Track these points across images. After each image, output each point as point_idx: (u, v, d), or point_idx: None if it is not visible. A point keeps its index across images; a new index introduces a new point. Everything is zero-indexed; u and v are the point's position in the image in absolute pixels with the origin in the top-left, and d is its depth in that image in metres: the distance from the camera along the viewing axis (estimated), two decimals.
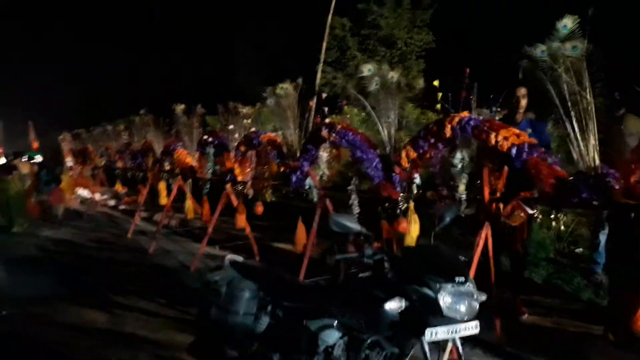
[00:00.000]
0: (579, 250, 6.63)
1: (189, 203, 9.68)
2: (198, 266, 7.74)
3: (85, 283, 7.08)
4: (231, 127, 7.32)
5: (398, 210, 4.57)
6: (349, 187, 5.08)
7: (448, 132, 3.99)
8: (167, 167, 10.20)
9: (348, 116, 10.08)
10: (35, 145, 22.76)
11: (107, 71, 38.31)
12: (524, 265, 5.07)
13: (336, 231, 2.96)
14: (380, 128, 4.66)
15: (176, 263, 8.33)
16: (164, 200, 10.80)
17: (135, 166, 12.10)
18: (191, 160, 9.02)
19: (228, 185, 7.73)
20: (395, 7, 23.75)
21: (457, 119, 3.96)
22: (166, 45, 34.64)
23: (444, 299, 2.61)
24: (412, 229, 4.52)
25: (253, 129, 6.96)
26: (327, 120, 5.30)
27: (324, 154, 5.45)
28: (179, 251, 9.18)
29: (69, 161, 17.52)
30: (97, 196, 15.92)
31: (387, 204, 4.70)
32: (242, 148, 7.04)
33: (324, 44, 17.61)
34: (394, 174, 4.54)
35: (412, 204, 4.55)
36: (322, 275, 5.91)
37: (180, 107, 9.13)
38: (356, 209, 5.01)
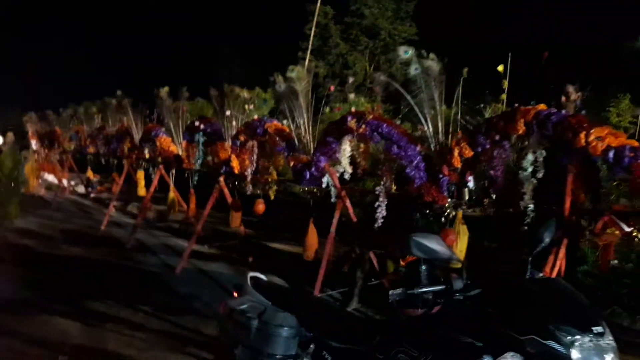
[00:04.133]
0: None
1: (172, 195, 8.78)
2: (185, 267, 6.91)
3: (56, 284, 6.17)
4: (228, 112, 6.46)
5: (443, 219, 3.86)
6: (378, 188, 4.32)
7: (520, 128, 3.30)
8: (146, 154, 9.21)
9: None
10: None
11: (81, 51, 36.38)
12: None
13: (418, 256, 2.24)
14: (423, 120, 3.92)
15: (158, 262, 7.48)
16: (142, 190, 9.83)
17: (110, 152, 11.03)
18: (176, 148, 8.11)
19: (222, 179, 6.89)
20: None
21: (532, 113, 3.27)
22: (144, 28, 33.21)
23: (579, 357, 1.91)
24: (459, 243, 3.82)
25: (256, 116, 6.11)
26: (353, 109, 4.50)
27: (346, 148, 4.68)
28: (160, 248, 8.32)
29: (34, 144, 16.21)
30: (65, 182, 14.78)
31: (427, 211, 3.98)
32: (242, 137, 6.18)
33: (312, 30, 16.78)
34: (441, 176, 3.81)
35: (460, 213, 3.84)
36: (336, 287, 5.18)
37: (164, 90, 8.20)
38: (382, 213, 4.26)
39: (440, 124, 3.85)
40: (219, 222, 8.86)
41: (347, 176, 4.77)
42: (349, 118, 4.44)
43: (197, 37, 30.03)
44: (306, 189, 5.54)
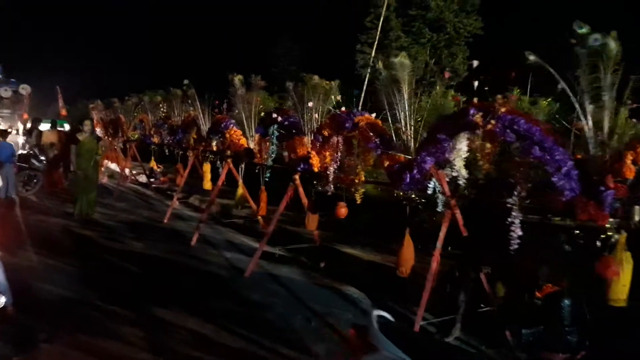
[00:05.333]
0: None
1: (241, 191, 8.24)
2: (255, 270, 6.32)
3: (116, 284, 5.75)
4: (310, 104, 5.80)
5: (599, 244, 3.03)
6: (510, 200, 3.51)
7: None
8: (214, 147, 8.73)
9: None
10: (64, 112, 21.61)
11: (148, 37, 37.14)
12: None
13: None
14: (582, 115, 3.09)
15: (225, 262, 6.96)
16: (208, 184, 9.40)
17: (175, 143, 10.66)
18: (246, 141, 7.55)
19: (297, 176, 6.25)
20: None
21: None
22: (204, 18, 33.51)
23: None
24: (622, 275, 2.98)
25: (343, 108, 5.41)
26: (475, 100, 3.73)
27: (463, 148, 3.90)
28: (226, 246, 7.81)
29: (98, 131, 16.28)
30: (127, 171, 14.68)
31: (577, 232, 3.16)
32: (326, 132, 5.51)
33: (380, 21, 15.95)
34: (602, 188, 2.98)
35: (623, 237, 2.99)
36: (434, 311, 4.40)
37: (238, 77, 7.64)
38: (517, 232, 3.46)
39: (606, 121, 3.01)
40: (291, 223, 8.27)
41: (461, 182, 3.99)
42: (472, 111, 3.65)
43: (255, 29, 30.02)
44: (401, 193, 4.79)
